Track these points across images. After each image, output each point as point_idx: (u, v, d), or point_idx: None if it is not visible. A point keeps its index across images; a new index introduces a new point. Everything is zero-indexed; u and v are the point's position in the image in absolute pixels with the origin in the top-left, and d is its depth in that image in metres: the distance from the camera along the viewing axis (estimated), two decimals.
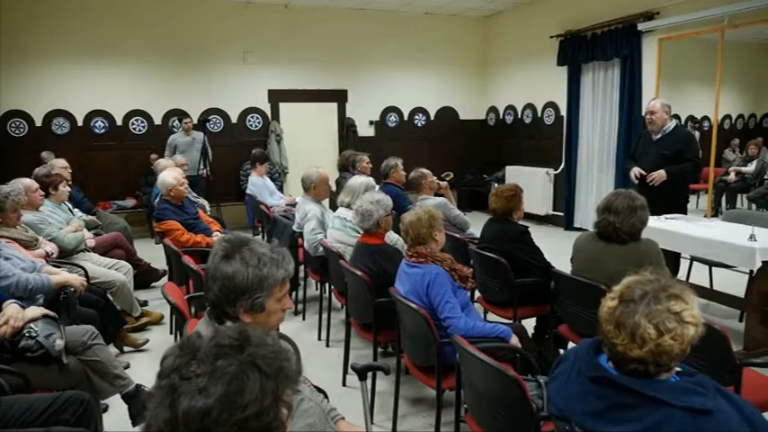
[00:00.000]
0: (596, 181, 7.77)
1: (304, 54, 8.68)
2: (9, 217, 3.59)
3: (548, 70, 8.24)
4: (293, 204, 6.52)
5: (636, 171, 4.55)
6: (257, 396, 0.88)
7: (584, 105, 7.87)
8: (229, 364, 0.89)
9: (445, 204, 4.55)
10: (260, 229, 6.90)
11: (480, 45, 9.82)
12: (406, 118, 9.55)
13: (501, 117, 9.61)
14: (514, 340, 2.68)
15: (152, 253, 5.92)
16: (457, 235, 4.17)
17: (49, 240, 3.98)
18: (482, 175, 9.61)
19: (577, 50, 7.67)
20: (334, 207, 4.70)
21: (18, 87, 7.49)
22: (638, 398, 1.35)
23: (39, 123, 7.65)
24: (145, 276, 5.21)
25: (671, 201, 4.47)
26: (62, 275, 3.36)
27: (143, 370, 3.67)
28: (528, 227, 3.67)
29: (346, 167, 6.20)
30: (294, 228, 4.57)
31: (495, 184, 8.75)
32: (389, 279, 3.09)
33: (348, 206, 3.98)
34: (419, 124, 9.65)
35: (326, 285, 4.34)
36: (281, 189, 7.73)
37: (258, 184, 6.59)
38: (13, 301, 2.73)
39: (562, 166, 8.20)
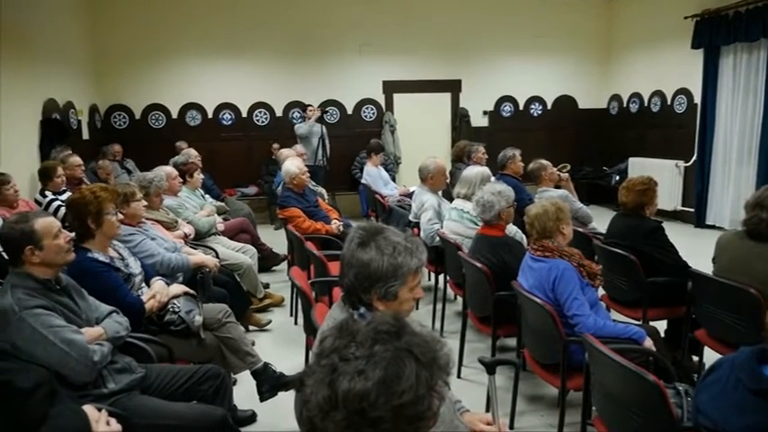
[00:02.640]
0: (734, 175, 7.05)
1: (418, 44, 8.68)
2: (153, 201, 3.93)
3: (680, 54, 7.59)
4: (406, 195, 6.57)
5: None
6: (413, 384, 0.88)
7: (722, 92, 7.16)
8: (386, 349, 0.90)
9: (567, 197, 4.36)
10: (373, 218, 7.03)
11: (602, 29, 9.27)
12: (521, 107, 9.26)
13: (625, 105, 9.03)
14: (648, 343, 2.51)
15: (272, 238, 6.23)
16: (580, 229, 3.98)
17: (187, 223, 4.31)
18: (602, 168, 9.11)
19: (716, 31, 6.99)
20: (447, 198, 4.67)
21: (158, 83, 8.19)
22: None
23: (175, 116, 8.33)
24: (267, 260, 5.48)
25: None
26: (199, 256, 3.62)
27: (266, 349, 3.85)
28: (662, 222, 3.42)
29: (461, 158, 6.14)
30: (410, 218, 4.59)
31: (617, 177, 8.37)
32: (510, 272, 3.02)
33: (465, 197, 3.93)
34: (535, 114, 9.32)
35: (441, 276, 4.32)
36: (393, 179, 7.80)
37: (373, 173, 6.70)
38: (159, 278, 2.98)
39: (694, 158, 7.55)
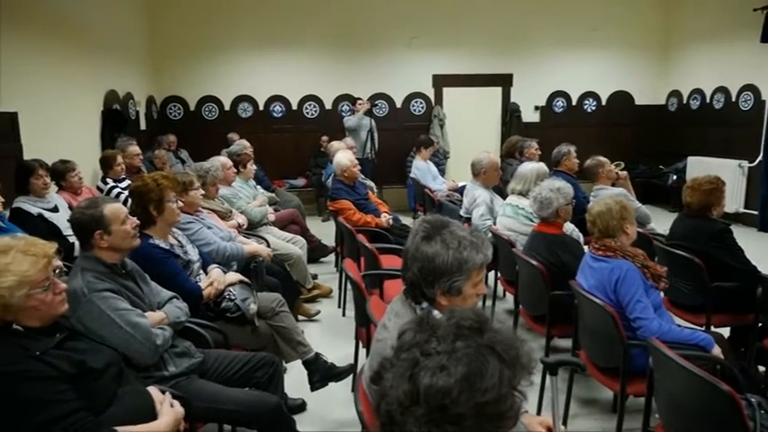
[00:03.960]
0: None
1: (469, 38, 8.57)
2: (209, 190, 4.01)
3: (747, 48, 7.23)
4: (455, 189, 6.51)
5: None
6: (496, 382, 0.86)
7: None
8: (468, 345, 0.88)
9: (625, 196, 4.20)
10: (420, 213, 7.00)
11: (660, 22, 8.92)
12: (574, 103, 9.04)
13: (685, 102, 8.68)
14: (717, 351, 2.40)
15: (319, 229, 6.28)
16: (639, 230, 3.83)
17: (240, 213, 4.38)
18: (658, 166, 8.79)
19: None
20: (498, 193, 4.60)
21: (212, 76, 8.37)
22: None
23: (227, 108, 8.50)
24: (316, 251, 5.52)
25: None
26: (253, 245, 3.68)
27: (315, 339, 3.85)
28: (729, 224, 3.27)
29: (512, 154, 6.03)
30: (461, 213, 4.53)
31: (674, 176, 8.07)
32: (567, 271, 2.95)
33: (520, 193, 3.85)
34: (589, 110, 9.08)
35: (492, 273, 4.25)
36: (441, 174, 7.74)
37: (422, 168, 6.66)
38: (216, 265, 3.04)
39: (759, 158, 7.19)
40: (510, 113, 8.76)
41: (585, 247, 2.98)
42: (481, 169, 4.28)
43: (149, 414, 1.74)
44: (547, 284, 2.99)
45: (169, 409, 1.76)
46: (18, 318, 1.58)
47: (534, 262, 3.05)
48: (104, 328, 2.04)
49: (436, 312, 1.62)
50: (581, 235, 3.73)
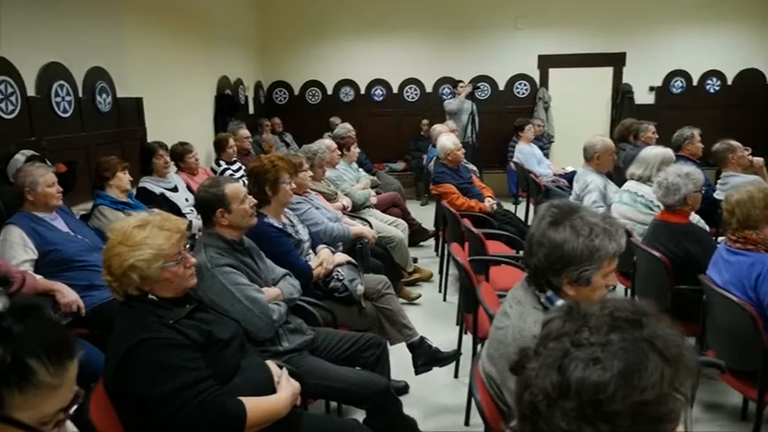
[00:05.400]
0: None
1: (579, 15, 8.12)
2: (317, 172, 4.10)
3: None
4: (560, 174, 6.24)
5: None
6: (656, 381, 0.77)
7: None
8: (624, 338, 0.80)
9: (760, 184, 3.82)
10: (521, 198, 6.78)
11: None
12: (695, 83, 8.34)
13: None
14: None
15: (418, 213, 6.26)
16: None
17: (344, 195, 4.44)
18: None
19: None
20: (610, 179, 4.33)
21: (315, 61, 8.56)
22: None
23: (329, 92, 8.66)
24: (416, 235, 5.51)
25: None
26: (358, 227, 3.72)
27: (416, 323, 3.80)
28: None
29: (626, 137, 5.67)
30: (571, 199, 4.32)
31: None
32: (693, 264, 2.72)
33: (640, 179, 3.60)
34: (711, 90, 8.34)
35: None
36: (546, 157, 7.44)
37: (525, 151, 6.43)
38: (325, 245, 3.10)
39: None
40: (621, 95, 8.24)
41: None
42: (594, 153, 4.05)
43: (269, 387, 1.79)
44: (670, 278, 2.77)
45: (287, 383, 1.81)
46: (153, 288, 1.67)
47: (657, 253, 2.83)
48: (225, 301, 2.14)
49: (560, 302, 1.53)
50: (706, 226, 3.43)
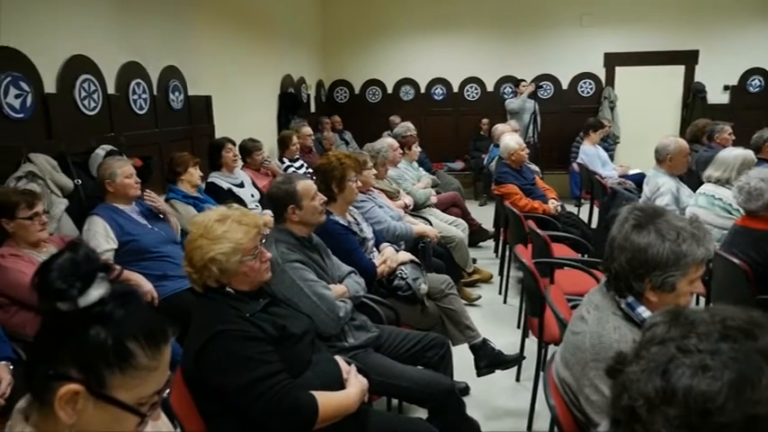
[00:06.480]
0: None
1: (648, 11, 7.82)
2: (379, 170, 4.12)
3: None
4: (625, 176, 6.04)
5: None
6: None
7: None
8: (734, 348, 0.76)
9: None
10: (584, 200, 6.59)
11: None
12: None
13: None
14: None
15: (477, 213, 6.18)
16: None
17: (406, 194, 4.45)
18: None
19: None
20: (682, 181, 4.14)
21: (376, 60, 8.62)
22: None
23: (390, 90, 8.69)
24: (476, 235, 5.46)
25: None
26: (421, 226, 3.71)
27: (476, 324, 3.81)
28: None
29: (698, 139, 5.42)
30: (641, 202, 4.17)
31: None
32: None
33: (717, 182, 3.43)
34: None
35: None
36: (610, 160, 7.22)
37: (590, 153, 6.24)
38: (389, 244, 3.11)
39: None
40: (693, 94, 7.88)
41: None
42: (667, 155, 3.88)
43: (338, 382, 1.81)
44: (751, 287, 2.63)
45: (356, 379, 1.82)
46: (231, 281, 1.72)
47: (737, 260, 2.69)
48: (295, 296, 2.18)
49: (642, 308, 1.48)
50: None
